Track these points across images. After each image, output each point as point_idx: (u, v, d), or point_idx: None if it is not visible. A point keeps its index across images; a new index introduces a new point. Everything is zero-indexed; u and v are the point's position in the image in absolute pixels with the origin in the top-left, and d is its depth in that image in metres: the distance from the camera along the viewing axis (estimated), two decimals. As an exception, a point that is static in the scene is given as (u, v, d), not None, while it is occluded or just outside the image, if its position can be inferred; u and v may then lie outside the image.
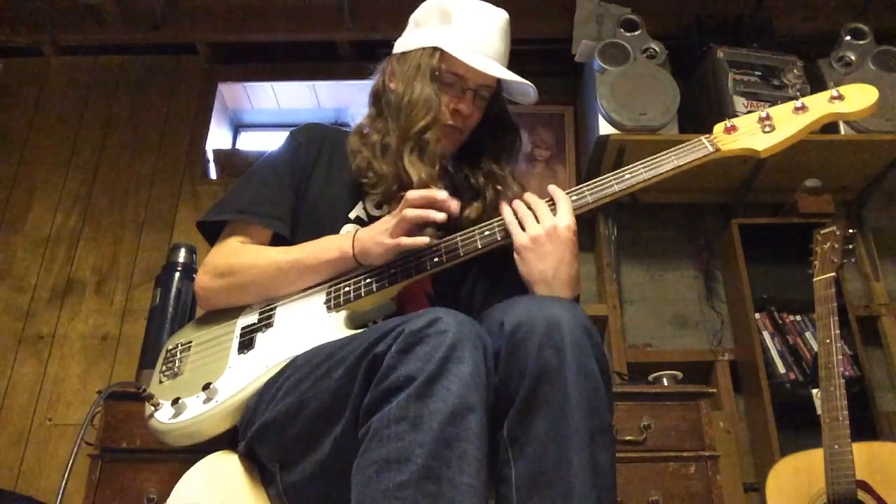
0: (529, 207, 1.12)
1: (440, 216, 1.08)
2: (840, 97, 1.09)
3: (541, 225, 1.09)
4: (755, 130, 1.11)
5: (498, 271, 1.29)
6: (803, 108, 1.10)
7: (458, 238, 1.14)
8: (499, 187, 1.28)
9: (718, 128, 1.13)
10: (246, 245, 1.26)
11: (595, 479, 0.85)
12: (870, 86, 1.09)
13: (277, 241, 1.28)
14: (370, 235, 1.14)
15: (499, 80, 1.30)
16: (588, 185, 1.14)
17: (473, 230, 1.15)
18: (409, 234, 1.10)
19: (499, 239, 1.13)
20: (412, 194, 1.10)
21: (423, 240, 1.09)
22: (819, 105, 1.10)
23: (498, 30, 1.28)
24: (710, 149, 1.10)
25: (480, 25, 1.27)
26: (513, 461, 0.88)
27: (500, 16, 1.30)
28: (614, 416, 0.96)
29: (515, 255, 1.11)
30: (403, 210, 1.09)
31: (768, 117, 1.11)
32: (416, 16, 1.34)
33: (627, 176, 1.11)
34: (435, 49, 1.25)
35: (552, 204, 1.12)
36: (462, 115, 1.27)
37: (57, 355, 2.55)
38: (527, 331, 0.91)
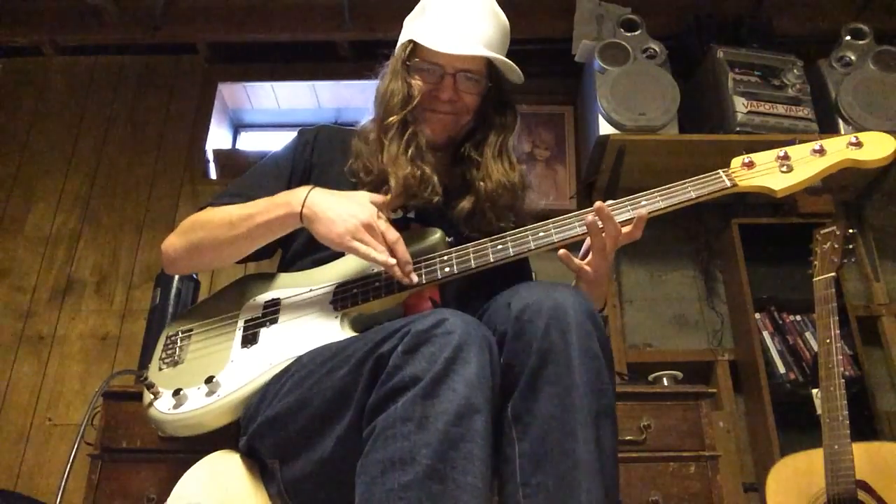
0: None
1: (389, 263, 1.08)
2: (858, 144, 1.10)
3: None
4: (773, 169, 1.12)
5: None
6: (821, 150, 1.11)
7: (471, 249, 1.15)
8: (480, 183, 1.26)
9: (736, 161, 1.14)
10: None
11: (601, 457, 0.86)
12: (888, 135, 1.10)
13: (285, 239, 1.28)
14: (326, 209, 1.12)
15: (489, 62, 1.28)
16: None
17: (486, 243, 1.15)
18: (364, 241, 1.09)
19: (512, 254, 1.13)
20: (389, 236, 1.10)
21: (381, 258, 1.08)
22: (837, 150, 1.11)
23: (472, 12, 1.27)
24: (728, 183, 1.12)
25: (452, 11, 1.27)
26: (517, 440, 0.88)
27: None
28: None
29: (594, 253, 1.13)
30: (367, 242, 1.08)
31: (786, 157, 1.12)
32: (406, 18, 1.36)
33: (644, 202, 1.13)
34: (409, 42, 1.28)
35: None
36: (441, 101, 1.26)
37: (57, 355, 2.54)
38: (533, 313, 0.93)
